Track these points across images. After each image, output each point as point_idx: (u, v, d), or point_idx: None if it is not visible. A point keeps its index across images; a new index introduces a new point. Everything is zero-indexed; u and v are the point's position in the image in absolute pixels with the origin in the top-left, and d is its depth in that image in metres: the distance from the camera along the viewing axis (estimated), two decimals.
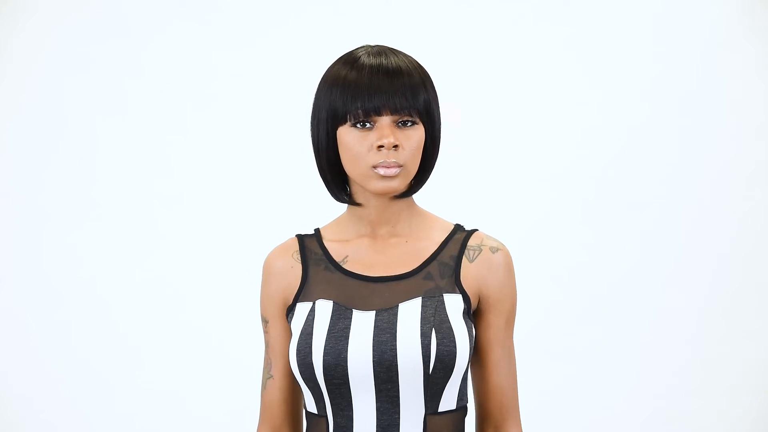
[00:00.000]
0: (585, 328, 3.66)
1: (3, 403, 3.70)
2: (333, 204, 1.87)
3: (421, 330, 1.61)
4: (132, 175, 3.73)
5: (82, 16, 3.72)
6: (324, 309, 1.69)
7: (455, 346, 1.61)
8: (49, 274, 3.71)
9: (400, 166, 1.66)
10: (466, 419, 1.72)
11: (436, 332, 1.61)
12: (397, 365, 1.60)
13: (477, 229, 1.73)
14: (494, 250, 1.71)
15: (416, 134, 1.67)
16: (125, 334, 3.71)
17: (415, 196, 1.78)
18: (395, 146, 1.65)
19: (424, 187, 1.77)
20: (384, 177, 1.66)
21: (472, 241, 1.71)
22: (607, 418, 3.65)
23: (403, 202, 1.74)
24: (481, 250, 1.69)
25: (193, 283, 3.72)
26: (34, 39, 3.71)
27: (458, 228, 1.73)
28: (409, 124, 1.67)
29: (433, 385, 1.62)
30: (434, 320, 1.62)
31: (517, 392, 1.72)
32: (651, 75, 3.67)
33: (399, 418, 1.63)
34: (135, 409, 3.69)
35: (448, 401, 1.65)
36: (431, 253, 1.70)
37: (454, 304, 1.65)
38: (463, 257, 1.69)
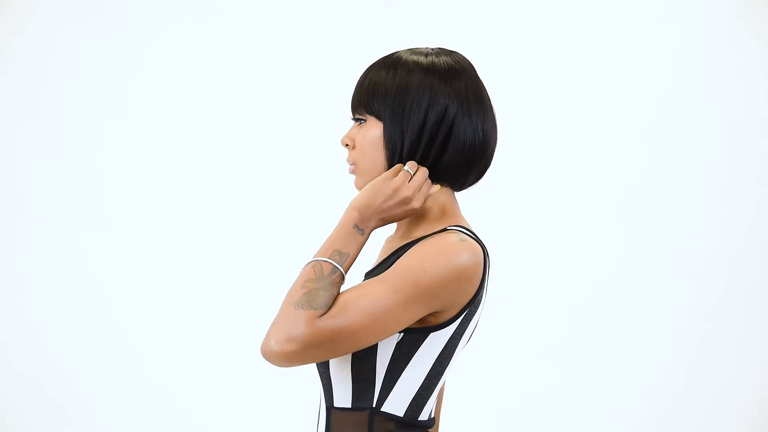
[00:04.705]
0: (586, 328, 3.66)
1: (17, 391, 3.72)
2: (335, 206, 1.87)
3: None
4: (138, 176, 3.74)
5: (83, 17, 3.72)
6: None
7: None
8: (59, 275, 3.74)
9: (353, 164, 1.70)
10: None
11: None
12: None
13: (447, 228, 1.66)
14: (422, 238, 1.65)
15: (365, 132, 1.68)
16: (129, 331, 3.73)
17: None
18: (347, 145, 1.70)
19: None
20: None
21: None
22: (609, 418, 3.66)
23: None
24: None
25: (199, 283, 3.73)
26: (38, 40, 3.72)
27: (443, 230, 1.66)
28: (361, 122, 1.69)
29: (322, 377, 1.66)
30: None
31: (329, 315, 1.54)
32: (654, 75, 3.67)
33: (322, 405, 1.70)
34: (138, 400, 3.71)
35: (341, 398, 1.65)
36: (395, 250, 1.69)
37: None
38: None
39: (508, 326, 3.59)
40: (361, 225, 1.61)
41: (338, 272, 1.57)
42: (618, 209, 3.68)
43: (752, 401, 3.64)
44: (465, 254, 1.58)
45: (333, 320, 1.52)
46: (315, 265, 1.57)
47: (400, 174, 1.62)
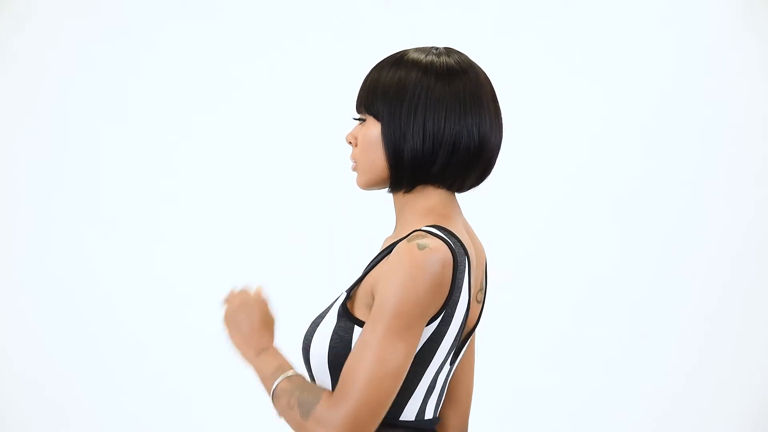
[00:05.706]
0: (586, 328, 3.66)
1: (17, 391, 3.72)
2: (334, 206, 1.87)
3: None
4: (138, 176, 3.75)
5: (83, 17, 3.72)
6: None
7: (310, 339, 1.66)
8: (59, 275, 3.74)
9: (354, 162, 1.71)
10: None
11: (310, 324, 1.68)
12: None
13: (418, 229, 1.63)
14: (394, 246, 1.64)
15: (365, 131, 1.68)
16: (129, 331, 3.73)
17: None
18: (350, 142, 1.72)
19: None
20: None
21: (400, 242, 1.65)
22: (609, 418, 3.66)
23: (399, 199, 1.71)
24: (391, 250, 1.64)
25: (199, 283, 3.73)
26: (38, 40, 3.72)
27: (413, 231, 1.64)
28: (361, 121, 1.70)
29: (308, 373, 1.68)
30: (320, 313, 1.68)
31: (345, 388, 1.54)
32: (654, 75, 3.67)
33: None
34: (138, 400, 3.71)
35: None
36: (381, 251, 1.69)
37: (339, 301, 1.66)
38: (386, 257, 1.65)
39: (509, 326, 3.59)
40: (257, 350, 1.74)
41: (290, 375, 1.64)
42: (618, 209, 3.68)
43: (752, 401, 3.64)
44: (430, 262, 1.56)
45: (347, 401, 1.53)
46: (274, 396, 1.64)
47: (222, 307, 1.82)
